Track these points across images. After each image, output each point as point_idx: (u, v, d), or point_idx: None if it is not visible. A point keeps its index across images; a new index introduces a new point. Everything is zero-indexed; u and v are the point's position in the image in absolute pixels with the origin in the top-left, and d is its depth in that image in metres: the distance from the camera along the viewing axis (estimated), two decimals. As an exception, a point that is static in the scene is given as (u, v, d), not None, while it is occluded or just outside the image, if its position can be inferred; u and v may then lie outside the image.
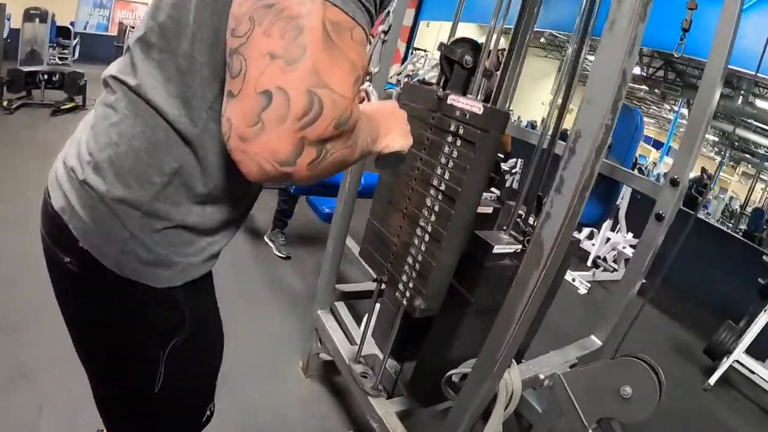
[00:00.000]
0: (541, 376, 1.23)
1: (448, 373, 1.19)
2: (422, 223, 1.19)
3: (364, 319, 1.66)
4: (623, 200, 4.68)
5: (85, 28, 13.91)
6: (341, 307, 2.14)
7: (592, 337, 1.55)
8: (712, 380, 3.12)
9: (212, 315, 0.94)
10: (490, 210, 1.42)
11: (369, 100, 0.98)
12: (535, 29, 1.34)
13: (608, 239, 4.80)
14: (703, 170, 8.21)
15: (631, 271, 1.51)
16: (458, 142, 1.11)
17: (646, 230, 1.40)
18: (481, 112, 1.05)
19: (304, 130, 0.51)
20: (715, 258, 5.17)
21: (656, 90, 12.35)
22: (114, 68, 0.77)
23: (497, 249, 1.16)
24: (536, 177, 1.32)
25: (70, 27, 12.28)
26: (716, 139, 12.81)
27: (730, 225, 7.72)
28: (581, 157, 0.77)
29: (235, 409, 1.90)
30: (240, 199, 0.81)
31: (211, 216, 0.77)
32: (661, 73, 11.26)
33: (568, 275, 4.49)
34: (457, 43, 1.24)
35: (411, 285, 1.22)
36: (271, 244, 3.32)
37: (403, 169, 1.27)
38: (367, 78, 0.91)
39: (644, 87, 12.51)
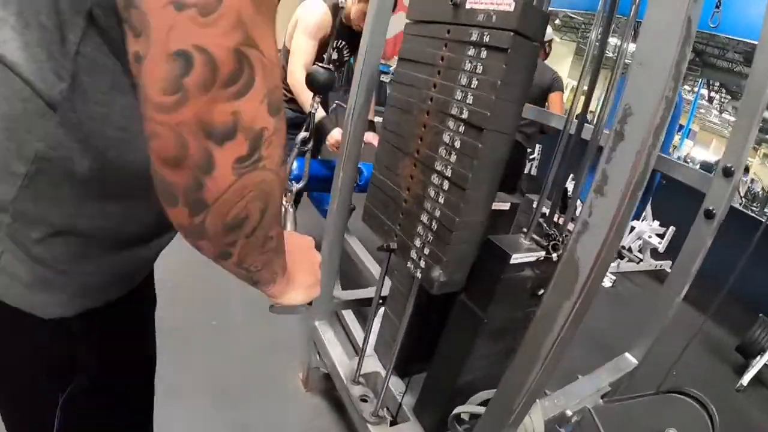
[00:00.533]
0: (569, 413, 1.01)
1: (456, 410, 0.98)
2: (439, 167, 0.93)
3: (366, 329, 1.46)
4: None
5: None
6: (348, 314, 1.94)
7: (627, 355, 1.33)
8: (745, 380, 2.93)
9: (136, 353, 0.74)
10: (507, 206, 1.19)
11: (285, 227, 0.81)
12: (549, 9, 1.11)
13: (632, 228, 4.56)
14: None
15: (674, 278, 1.27)
16: (483, 54, 0.85)
17: (693, 229, 1.17)
18: (512, 9, 0.79)
19: (237, 102, 0.38)
20: (745, 246, 4.91)
21: None
22: None
23: (516, 259, 0.93)
24: (562, 167, 1.09)
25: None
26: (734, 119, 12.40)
27: (755, 209, 7.37)
28: (634, 143, 0.53)
29: (230, 424, 1.75)
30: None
31: (117, 217, 0.57)
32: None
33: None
34: None
35: (426, 251, 0.97)
36: None
37: (412, 101, 1.03)
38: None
39: None
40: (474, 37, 0.85)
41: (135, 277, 0.65)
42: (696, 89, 12.39)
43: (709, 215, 1.12)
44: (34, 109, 0.49)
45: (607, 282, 4.18)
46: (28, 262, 0.53)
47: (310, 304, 0.74)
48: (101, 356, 0.64)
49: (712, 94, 15.33)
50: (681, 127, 12.35)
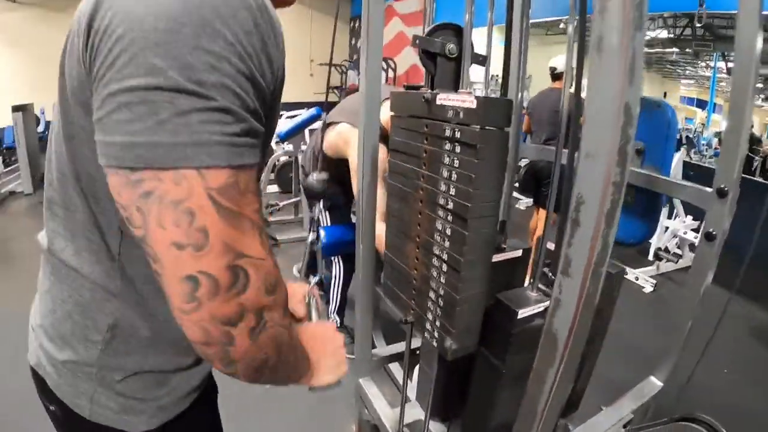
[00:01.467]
0: None
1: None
2: (437, 251, 1.02)
3: (403, 384, 1.53)
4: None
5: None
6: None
7: (652, 378, 1.35)
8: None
9: None
10: (519, 253, 1.26)
11: (310, 318, 0.95)
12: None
13: (666, 228, 4.52)
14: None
15: (685, 302, 1.30)
16: (457, 148, 0.92)
17: (696, 255, 1.21)
18: (475, 106, 0.86)
19: (239, 297, 0.52)
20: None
21: (688, 49, 11.79)
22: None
23: (523, 313, 1.00)
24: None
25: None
26: (761, 85, 12.02)
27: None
28: (588, 229, 0.60)
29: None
30: None
31: (172, 355, 0.74)
32: (688, 31, 10.69)
33: (630, 275, 4.23)
34: (435, 31, 1.04)
35: (438, 324, 1.06)
36: None
37: (407, 190, 1.12)
38: None
39: (674, 49, 11.95)
40: (447, 133, 0.93)
41: (197, 387, 0.81)
42: (713, 64, 12.20)
43: (709, 237, 1.16)
44: (100, 296, 0.67)
45: (648, 287, 4.14)
46: (114, 397, 0.72)
47: (339, 382, 0.89)
48: None
49: (730, 65, 15.00)
50: (704, 103, 12.09)
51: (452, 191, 0.94)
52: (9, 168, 8.62)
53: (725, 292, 1.26)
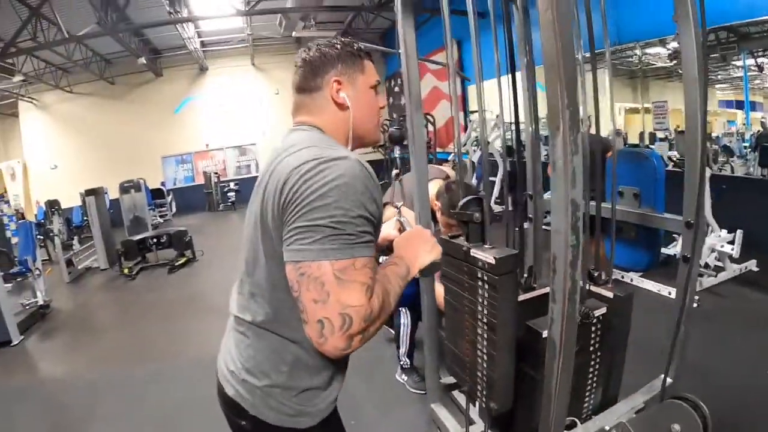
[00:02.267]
0: (607, 427, 1.40)
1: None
2: (479, 347, 1.48)
3: (466, 410, 1.89)
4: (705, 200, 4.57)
5: (174, 184, 15.64)
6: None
7: (662, 375, 1.66)
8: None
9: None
10: (546, 290, 1.63)
11: (404, 229, 1.35)
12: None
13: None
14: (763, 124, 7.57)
15: (677, 310, 1.62)
16: (486, 286, 1.39)
17: (678, 274, 1.54)
18: (494, 262, 1.34)
19: (348, 331, 0.96)
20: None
21: (714, 54, 11.81)
22: (234, 307, 1.25)
23: (546, 334, 1.37)
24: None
25: (162, 187, 13.88)
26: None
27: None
28: (560, 274, 0.99)
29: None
30: (340, 360, 1.19)
31: (323, 377, 1.19)
32: (713, 37, 10.72)
33: (665, 291, 4.36)
34: (465, 205, 1.54)
35: (484, 393, 1.50)
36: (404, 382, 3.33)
37: (456, 305, 1.59)
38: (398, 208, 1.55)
39: None
40: (479, 275, 1.42)
41: (334, 400, 1.24)
42: (741, 64, 12.09)
43: (685, 260, 1.50)
44: (286, 343, 1.13)
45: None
46: (290, 407, 1.14)
47: (439, 265, 1.29)
48: None
49: (760, 61, 14.65)
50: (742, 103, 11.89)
51: (485, 311, 1.43)
52: (84, 246, 9.44)
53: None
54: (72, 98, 15.20)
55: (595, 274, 1.69)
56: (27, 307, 5.68)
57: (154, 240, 7.82)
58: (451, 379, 2.30)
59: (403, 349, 3.27)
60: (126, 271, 7.43)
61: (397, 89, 14.04)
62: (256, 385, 1.16)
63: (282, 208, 1.02)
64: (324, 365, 1.17)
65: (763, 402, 2.63)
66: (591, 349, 1.59)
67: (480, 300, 1.40)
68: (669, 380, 1.61)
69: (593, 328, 1.57)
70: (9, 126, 16.05)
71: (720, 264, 4.71)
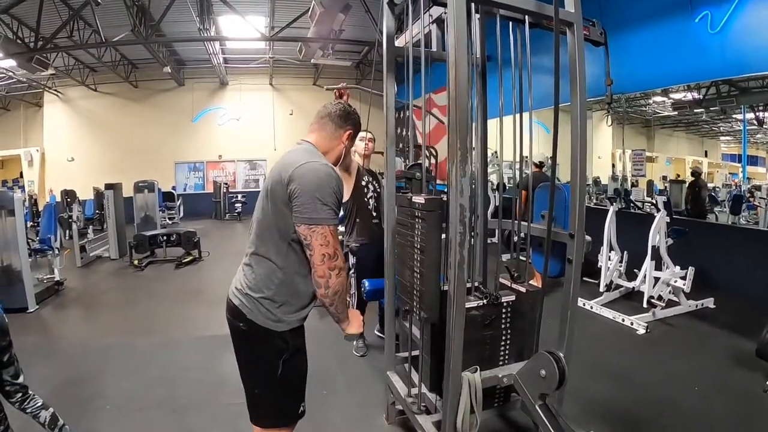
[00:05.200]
0: (500, 375, 1.96)
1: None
2: (415, 270, 1.99)
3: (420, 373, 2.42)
4: (660, 239, 5.09)
5: (185, 189, 16.33)
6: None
7: (557, 351, 2.18)
8: (771, 381, 3.32)
9: (302, 346, 1.91)
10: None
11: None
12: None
13: (656, 279, 5.10)
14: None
15: (563, 306, 2.15)
16: (419, 220, 1.92)
17: (566, 274, 2.09)
18: (423, 201, 1.90)
19: (335, 262, 1.70)
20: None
21: (713, 108, 11.97)
22: (247, 246, 1.87)
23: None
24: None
25: (173, 191, 14.48)
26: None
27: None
28: (454, 273, 1.56)
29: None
30: (309, 290, 1.81)
31: (297, 299, 1.80)
32: (713, 90, 10.91)
33: (626, 321, 4.87)
34: (410, 168, 2.12)
35: (416, 305, 2.02)
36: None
37: (403, 242, 2.13)
38: None
39: (701, 110, 12.25)
40: (417, 214, 1.96)
41: (305, 319, 1.86)
42: (741, 118, 12.37)
43: (569, 261, 2.05)
44: (276, 269, 1.76)
45: (641, 330, 4.69)
46: (273, 314, 1.78)
47: (361, 335, 2.04)
48: (294, 345, 1.84)
49: (760, 114, 14.69)
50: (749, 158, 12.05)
51: (419, 240, 1.95)
52: (96, 236, 10.02)
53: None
54: (95, 96, 15.95)
55: (515, 275, 2.26)
56: (44, 282, 6.29)
57: (165, 237, 8.37)
58: (403, 354, 2.86)
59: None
60: (136, 262, 8.01)
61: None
62: (253, 296, 1.78)
63: (294, 187, 1.69)
64: (297, 291, 1.80)
65: (683, 410, 3.16)
66: (502, 326, 2.16)
67: (416, 232, 1.95)
68: (562, 354, 2.11)
69: (504, 310, 2.14)
70: (32, 114, 16.73)
71: (675, 298, 5.24)
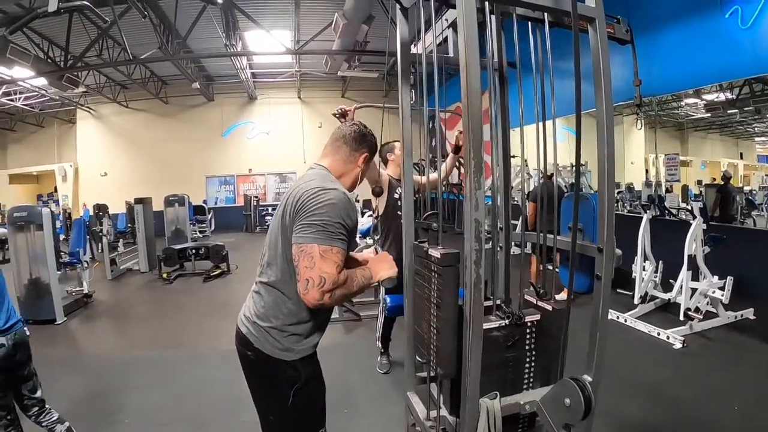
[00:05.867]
0: (522, 402, 1.82)
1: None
2: (432, 324, 1.88)
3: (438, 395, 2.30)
4: (696, 247, 4.87)
5: (215, 203, 16.59)
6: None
7: (586, 375, 2.01)
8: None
9: (316, 375, 1.85)
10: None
11: (377, 253, 1.83)
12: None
13: (693, 290, 4.87)
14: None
15: (590, 323, 1.98)
16: (435, 275, 1.81)
17: (595, 290, 1.94)
18: (440, 256, 1.78)
19: (322, 288, 1.55)
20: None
21: (747, 108, 11.64)
22: (258, 274, 1.83)
23: (484, 326, 1.80)
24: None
25: (204, 204, 14.74)
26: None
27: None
28: (469, 292, 1.46)
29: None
30: (318, 318, 1.77)
31: (305, 328, 1.74)
32: (747, 89, 10.60)
33: (662, 334, 4.65)
34: (427, 218, 2.02)
35: (434, 360, 1.89)
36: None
37: (420, 293, 2.01)
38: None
39: (734, 110, 11.93)
40: (434, 268, 1.82)
41: (316, 346, 1.79)
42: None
43: (598, 278, 1.90)
44: (284, 299, 1.70)
45: (677, 344, 4.45)
46: (282, 344, 1.73)
47: (395, 279, 1.89)
48: (306, 374, 1.76)
49: None
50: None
51: (436, 294, 1.84)
52: (127, 249, 10.20)
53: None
54: (127, 112, 16.38)
55: (540, 291, 2.12)
56: (72, 294, 6.39)
57: (194, 250, 8.49)
58: (424, 373, 2.74)
59: (377, 334, 4.04)
60: (164, 275, 8.11)
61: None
62: (262, 325, 1.73)
63: (296, 211, 1.66)
64: (306, 320, 1.74)
65: (722, 429, 2.99)
66: (526, 347, 2.02)
67: (432, 286, 1.82)
68: (589, 378, 1.97)
69: (528, 330, 2.00)
70: (66, 131, 17.32)
71: (713, 310, 4.99)
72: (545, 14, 1.81)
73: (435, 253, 1.79)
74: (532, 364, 2.06)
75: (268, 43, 10.63)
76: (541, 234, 2.10)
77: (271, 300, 1.74)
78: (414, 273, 2.07)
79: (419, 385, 2.69)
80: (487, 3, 1.81)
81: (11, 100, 14.16)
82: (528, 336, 2.02)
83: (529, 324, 2.00)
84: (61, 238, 9.04)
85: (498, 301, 2.00)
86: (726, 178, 7.39)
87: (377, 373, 3.95)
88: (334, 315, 4.46)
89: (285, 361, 1.72)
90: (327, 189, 1.67)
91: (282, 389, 1.74)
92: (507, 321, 1.93)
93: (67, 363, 4.38)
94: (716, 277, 4.95)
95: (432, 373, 1.98)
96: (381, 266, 1.84)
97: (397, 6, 2.12)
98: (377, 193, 3.64)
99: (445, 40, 2.21)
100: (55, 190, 17.33)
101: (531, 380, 2.07)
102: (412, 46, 2.28)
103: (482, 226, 1.43)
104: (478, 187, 1.43)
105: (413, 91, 2.34)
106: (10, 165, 17.98)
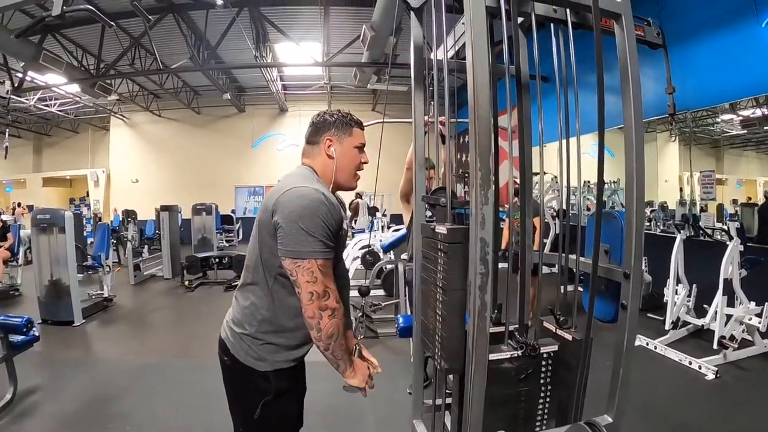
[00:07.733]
0: None
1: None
2: (437, 311, 1.70)
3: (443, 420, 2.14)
4: (733, 270, 4.59)
5: (244, 213, 16.71)
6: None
7: (605, 415, 1.83)
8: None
9: (291, 390, 1.74)
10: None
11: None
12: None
13: (728, 316, 4.58)
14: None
15: (616, 353, 1.79)
16: (441, 254, 1.63)
17: (620, 319, 1.76)
18: (446, 232, 1.60)
19: (326, 302, 1.51)
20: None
21: None
22: (241, 278, 1.72)
23: (492, 356, 1.64)
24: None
25: (232, 214, 14.87)
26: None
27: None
28: (475, 320, 1.30)
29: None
30: (298, 333, 1.64)
31: (284, 340, 1.64)
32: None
33: (694, 364, 4.37)
34: (435, 192, 1.86)
35: (439, 353, 1.73)
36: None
37: (426, 278, 1.84)
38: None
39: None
40: (439, 246, 1.66)
41: (296, 361, 1.68)
42: None
43: (623, 307, 1.72)
44: (261, 306, 1.60)
45: (709, 375, 4.19)
46: (255, 352, 1.62)
47: (363, 389, 1.74)
48: (279, 388, 1.65)
49: None
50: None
51: (441, 276, 1.65)
52: (151, 255, 10.28)
53: None
54: (159, 121, 16.69)
55: (560, 318, 1.92)
56: (93, 297, 6.44)
57: (217, 259, 8.50)
58: (429, 401, 2.56)
59: None
60: (186, 283, 8.12)
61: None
62: (236, 331, 1.67)
63: (272, 213, 1.55)
64: (284, 331, 1.64)
65: None
66: (541, 381, 1.84)
67: (438, 267, 1.66)
68: (609, 419, 1.80)
69: (543, 362, 1.82)
70: (99, 138, 17.90)
71: (749, 338, 4.69)
72: (567, 12, 1.64)
73: (441, 229, 1.62)
74: (547, 399, 1.87)
75: (297, 55, 10.67)
76: (563, 255, 1.91)
77: (245, 307, 1.67)
78: (422, 258, 1.89)
79: (426, 413, 2.53)
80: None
81: (47, 105, 14.61)
82: (543, 369, 1.84)
83: (544, 355, 1.82)
84: (89, 242, 9.19)
85: (511, 328, 1.82)
86: (767, 197, 6.98)
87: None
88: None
89: (257, 371, 1.64)
90: (309, 189, 1.55)
91: (251, 400, 1.66)
92: (520, 352, 1.75)
93: (78, 364, 4.43)
94: (753, 303, 4.64)
95: (437, 367, 1.79)
96: (356, 373, 1.70)
97: (406, 6, 1.99)
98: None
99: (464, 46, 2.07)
100: (87, 194, 17.72)
101: (545, 418, 1.89)
102: (431, 52, 2.15)
103: (488, 246, 1.27)
104: (485, 202, 1.26)
105: (431, 103, 2.18)
106: (45, 168, 18.61)
